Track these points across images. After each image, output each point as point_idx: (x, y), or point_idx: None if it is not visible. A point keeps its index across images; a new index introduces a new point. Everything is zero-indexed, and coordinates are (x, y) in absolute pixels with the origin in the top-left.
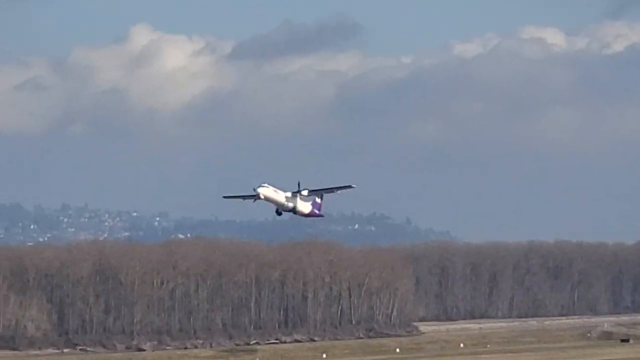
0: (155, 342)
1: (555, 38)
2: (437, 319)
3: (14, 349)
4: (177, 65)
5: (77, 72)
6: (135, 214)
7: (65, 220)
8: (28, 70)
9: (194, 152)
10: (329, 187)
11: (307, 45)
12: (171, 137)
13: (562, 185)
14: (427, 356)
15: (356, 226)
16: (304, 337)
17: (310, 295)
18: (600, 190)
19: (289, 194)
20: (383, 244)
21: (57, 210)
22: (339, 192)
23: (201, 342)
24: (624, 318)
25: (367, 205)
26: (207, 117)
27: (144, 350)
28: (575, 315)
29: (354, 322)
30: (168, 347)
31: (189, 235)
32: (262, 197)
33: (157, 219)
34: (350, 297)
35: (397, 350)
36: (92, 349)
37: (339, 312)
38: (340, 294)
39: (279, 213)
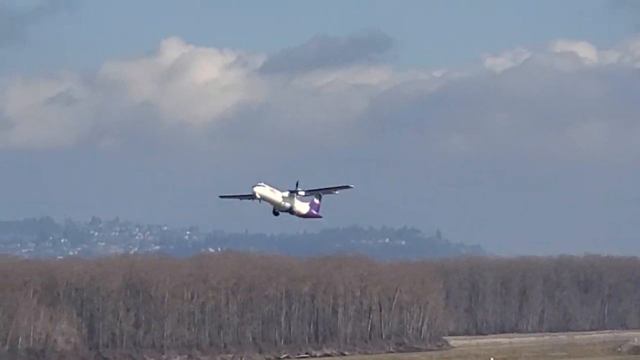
0: (186, 356)
1: (586, 52)
2: (467, 333)
3: None
4: (209, 78)
5: (108, 86)
6: (165, 227)
7: (96, 234)
8: (59, 83)
9: (225, 166)
10: (327, 187)
11: (339, 59)
12: (202, 151)
13: (593, 199)
14: None
15: (387, 240)
16: (334, 351)
17: (340, 309)
18: (631, 204)
19: (286, 194)
20: (413, 258)
21: (87, 224)
22: (337, 192)
23: (231, 356)
24: None
25: (397, 219)
26: (238, 131)
27: None
28: (605, 329)
29: (384, 336)
30: None
31: (219, 249)
32: (258, 196)
33: (188, 232)
34: (380, 311)
35: None
36: None
37: (369, 326)
38: (370, 308)
39: (275, 213)
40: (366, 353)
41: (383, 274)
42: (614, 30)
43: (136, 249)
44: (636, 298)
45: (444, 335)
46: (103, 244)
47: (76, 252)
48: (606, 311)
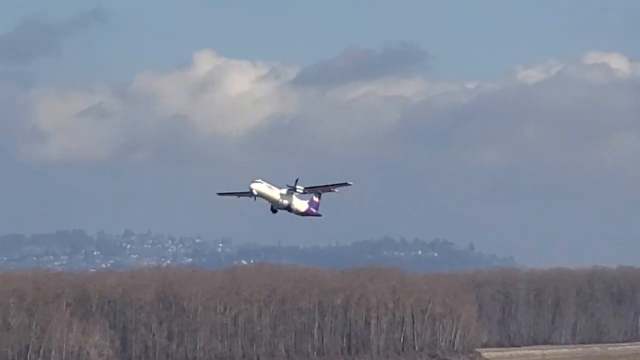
0: None
1: (618, 63)
2: (500, 345)
3: None
4: (241, 91)
5: (141, 98)
6: (198, 240)
7: (128, 246)
8: (92, 96)
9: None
10: (326, 184)
11: (372, 71)
12: (235, 163)
13: (625, 211)
14: None
15: (419, 252)
16: None
17: (373, 321)
18: None
19: (284, 191)
20: (446, 270)
21: (120, 237)
22: (337, 190)
23: None
24: None
25: (430, 232)
26: (271, 143)
27: None
28: (638, 341)
29: (417, 348)
30: None
31: (252, 261)
32: (256, 193)
33: (220, 245)
34: (413, 323)
35: None
36: None
37: (402, 338)
38: (403, 320)
39: (273, 210)
40: None
41: (416, 286)
42: None
43: (169, 262)
44: None
45: (477, 347)
46: (136, 256)
47: (109, 265)
48: (639, 323)
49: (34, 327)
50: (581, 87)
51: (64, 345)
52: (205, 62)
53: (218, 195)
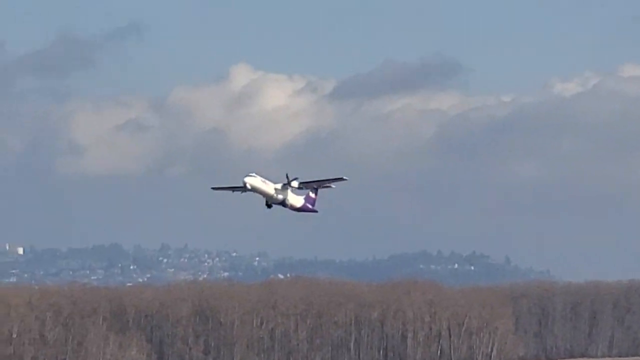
0: None
1: None
2: (536, 358)
3: None
4: (278, 104)
5: (177, 112)
6: (234, 254)
7: (165, 260)
8: (128, 110)
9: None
10: (321, 178)
11: (408, 85)
12: (270, 177)
13: None
14: None
15: (455, 266)
16: None
17: (409, 335)
18: None
19: (278, 186)
20: (482, 283)
21: (156, 251)
22: (333, 185)
23: None
24: None
25: (466, 245)
26: (307, 157)
27: None
28: None
29: None
30: None
31: (288, 275)
32: (249, 186)
33: (257, 259)
34: (450, 336)
35: None
36: None
37: (438, 352)
38: (440, 334)
39: (268, 205)
40: None
41: (452, 300)
42: None
43: (205, 276)
44: None
45: None
46: (172, 270)
47: (145, 279)
48: None
49: (70, 341)
50: (617, 100)
51: (101, 359)
52: (241, 76)
53: (213, 190)
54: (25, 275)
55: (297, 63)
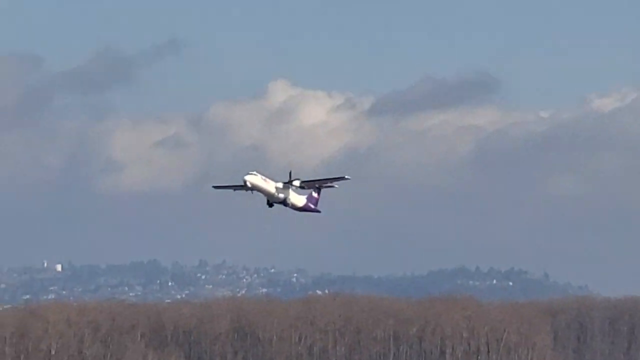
0: None
1: None
2: None
3: None
4: (316, 121)
5: (216, 129)
6: (273, 270)
7: (203, 277)
8: (167, 127)
9: (332, 208)
10: (323, 177)
11: (446, 100)
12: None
13: None
14: None
15: (494, 281)
16: None
17: (448, 351)
18: None
19: (280, 185)
20: (521, 299)
21: (194, 267)
22: (336, 184)
23: None
24: None
25: (504, 261)
26: (346, 172)
27: None
28: None
29: None
30: None
31: (326, 291)
32: (250, 185)
33: (295, 275)
34: (488, 352)
35: None
36: None
37: None
38: (478, 350)
39: (270, 204)
40: None
41: (491, 315)
42: None
43: (243, 292)
44: None
45: None
46: (210, 286)
47: (183, 295)
48: None
49: (109, 358)
50: None
51: None
52: (280, 92)
53: (214, 188)
54: (64, 292)
55: (336, 79)
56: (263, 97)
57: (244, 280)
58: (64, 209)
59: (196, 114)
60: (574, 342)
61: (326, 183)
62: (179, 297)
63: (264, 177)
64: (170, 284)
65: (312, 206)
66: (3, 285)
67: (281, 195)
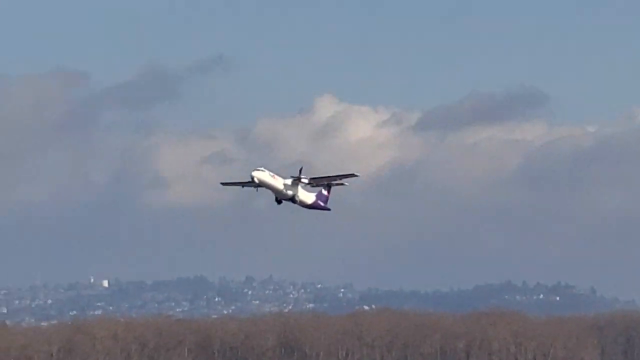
0: None
1: None
2: None
3: None
4: (363, 136)
5: (262, 144)
6: (319, 285)
7: (250, 292)
8: (213, 142)
9: (379, 223)
10: (332, 174)
11: (493, 115)
12: (356, 208)
13: None
14: None
15: (541, 296)
16: None
17: None
18: None
19: (288, 181)
20: (568, 313)
21: (241, 283)
22: (346, 182)
23: None
24: None
25: (551, 275)
26: (392, 188)
27: None
28: None
29: None
30: None
31: (373, 306)
32: (257, 181)
33: (342, 290)
34: None
35: None
36: None
37: None
38: None
39: (278, 201)
40: None
41: (537, 330)
42: None
43: (290, 307)
44: None
45: None
46: (257, 302)
47: (230, 311)
48: None
49: None
50: None
51: None
52: (326, 107)
53: (222, 185)
54: (111, 307)
55: (382, 94)
56: (309, 113)
57: (291, 295)
58: (110, 225)
59: (243, 129)
60: (621, 357)
61: (335, 180)
62: (225, 312)
63: (272, 174)
64: (217, 299)
65: (322, 204)
66: (50, 301)
67: (289, 192)
